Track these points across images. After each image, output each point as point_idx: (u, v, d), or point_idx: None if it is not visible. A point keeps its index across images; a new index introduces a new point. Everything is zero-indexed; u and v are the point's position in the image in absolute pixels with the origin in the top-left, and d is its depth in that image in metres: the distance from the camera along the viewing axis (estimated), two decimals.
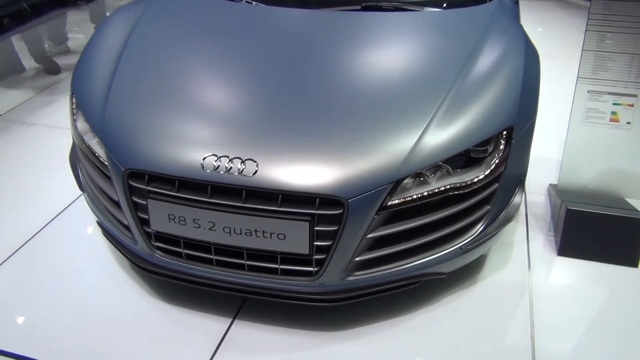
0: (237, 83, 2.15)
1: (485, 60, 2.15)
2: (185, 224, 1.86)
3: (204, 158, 1.84)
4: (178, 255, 1.97)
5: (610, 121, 2.39)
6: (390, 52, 2.28)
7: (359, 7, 2.53)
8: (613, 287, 2.26)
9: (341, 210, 1.78)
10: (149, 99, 2.10)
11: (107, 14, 4.51)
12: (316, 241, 1.82)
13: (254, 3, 2.63)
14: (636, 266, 2.36)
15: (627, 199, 2.46)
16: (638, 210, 2.39)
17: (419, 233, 1.93)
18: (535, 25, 5.53)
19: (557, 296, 2.22)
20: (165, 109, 2.04)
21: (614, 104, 2.37)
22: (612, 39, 2.30)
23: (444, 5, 2.57)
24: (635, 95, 2.34)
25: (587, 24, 2.32)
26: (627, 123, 2.38)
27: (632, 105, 2.35)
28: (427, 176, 1.90)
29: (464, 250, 2.03)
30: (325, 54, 2.25)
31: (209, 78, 2.20)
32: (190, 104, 2.06)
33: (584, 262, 2.38)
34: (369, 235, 1.84)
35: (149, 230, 1.95)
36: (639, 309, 2.17)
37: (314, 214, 1.78)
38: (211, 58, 2.28)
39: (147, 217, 1.91)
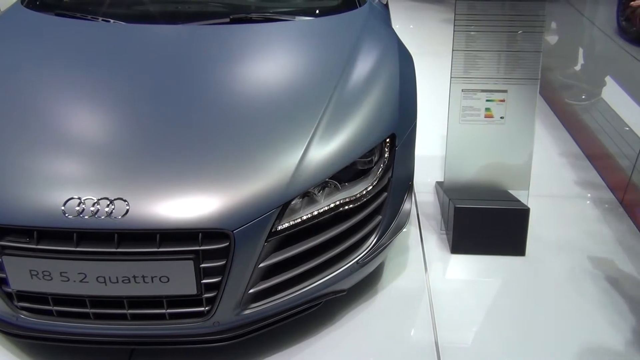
0: (99, 112, 1.95)
1: (362, 68, 2.11)
2: (52, 278, 1.64)
3: (65, 202, 1.63)
4: (48, 313, 1.74)
5: (485, 117, 2.46)
6: (264, 66, 2.18)
7: (228, 20, 2.41)
8: (504, 277, 2.34)
9: (227, 243, 1.65)
10: None
11: None
12: (204, 279, 1.67)
13: (112, 21, 2.41)
14: (524, 254, 2.45)
15: (510, 191, 2.55)
16: (520, 201, 2.48)
17: (313, 254, 1.84)
18: (407, 23, 5.71)
19: (454, 292, 2.26)
20: (15, 148, 1.80)
21: (487, 100, 2.44)
22: (480, 38, 2.37)
23: (316, 12, 2.51)
24: (506, 91, 2.42)
25: (454, 25, 2.37)
26: (501, 118, 2.46)
27: (504, 101, 2.44)
28: (315, 194, 1.83)
29: (360, 264, 1.97)
30: (196, 73, 2.10)
31: (65, 109, 1.96)
32: (45, 140, 1.82)
33: (476, 257, 2.44)
34: (261, 265, 1.73)
35: (9, 290, 1.70)
36: (529, 293, 2.26)
37: (197, 250, 1.64)
38: (67, 86, 2.05)
39: (4, 275, 1.67)
